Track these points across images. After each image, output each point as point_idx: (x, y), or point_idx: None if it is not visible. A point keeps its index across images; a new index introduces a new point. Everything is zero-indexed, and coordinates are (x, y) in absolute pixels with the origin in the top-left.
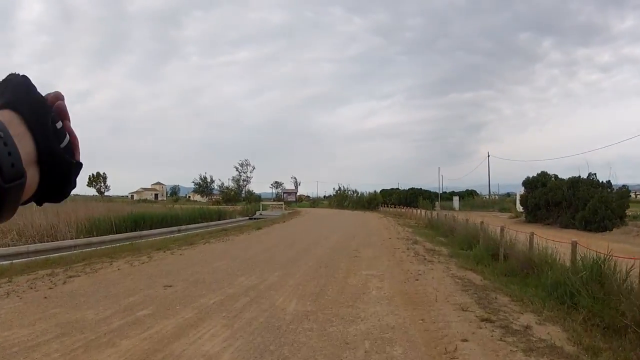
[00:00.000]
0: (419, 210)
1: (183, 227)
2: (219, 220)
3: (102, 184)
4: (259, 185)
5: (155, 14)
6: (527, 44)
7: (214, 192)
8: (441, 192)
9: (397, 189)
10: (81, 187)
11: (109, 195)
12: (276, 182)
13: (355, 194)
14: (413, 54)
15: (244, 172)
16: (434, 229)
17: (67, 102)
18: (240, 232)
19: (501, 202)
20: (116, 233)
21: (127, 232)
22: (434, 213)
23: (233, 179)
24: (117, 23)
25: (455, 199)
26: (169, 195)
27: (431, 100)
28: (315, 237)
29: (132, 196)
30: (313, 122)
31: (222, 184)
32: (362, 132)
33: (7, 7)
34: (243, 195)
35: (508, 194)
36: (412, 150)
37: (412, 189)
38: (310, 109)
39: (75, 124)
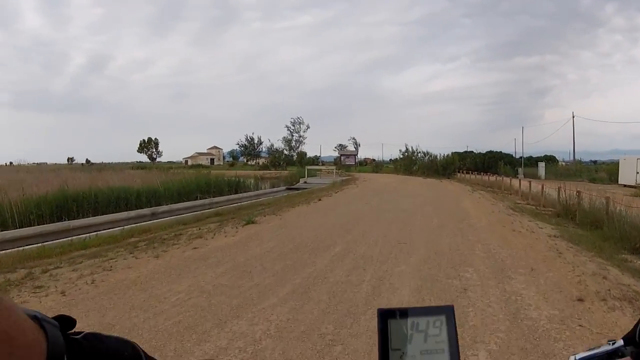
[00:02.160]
0: (508, 180)
1: (149, 211)
2: (233, 194)
3: (154, 150)
4: (322, 149)
5: None
6: (589, 8)
7: (262, 154)
8: (523, 156)
9: (472, 152)
10: (131, 153)
11: (159, 161)
12: (340, 144)
13: (427, 157)
14: (477, 16)
15: (296, 132)
16: (591, 228)
17: (126, 71)
18: (215, 231)
19: (587, 171)
20: None
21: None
22: (537, 186)
23: (284, 139)
24: None
25: (541, 165)
26: (225, 159)
27: (496, 63)
28: (359, 258)
29: (187, 161)
30: (377, 86)
31: (272, 145)
32: (427, 95)
33: None
34: (295, 157)
35: (594, 162)
36: (478, 114)
37: (490, 152)
38: (373, 72)
39: (135, 92)
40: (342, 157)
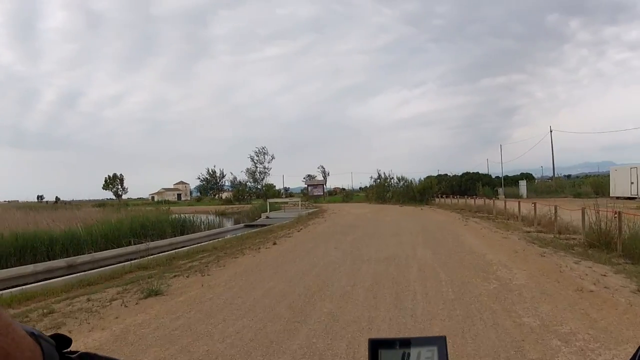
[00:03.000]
0: (492, 202)
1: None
2: (179, 235)
3: (120, 186)
4: (293, 180)
5: (181, 15)
6: (555, 25)
7: (226, 188)
8: (502, 176)
9: (446, 175)
10: (97, 190)
11: (126, 198)
12: (309, 175)
13: (401, 182)
14: (443, 41)
15: (260, 163)
16: None
17: (98, 108)
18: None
19: (569, 186)
20: None
21: None
22: (526, 206)
23: (247, 171)
24: (144, 26)
25: (522, 183)
26: (193, 195)
27: (463, 87)
28: None
29: (153, 197)
30: (347, 115)
31: (235, 178)
32: (397, 122)
33: (30, 17)
34: (260, 190)
35: (568, 176)
36: (447, 138)
37: (467, 173)
38: (344, 101)
39: (107, 128)
40: (310, 188)
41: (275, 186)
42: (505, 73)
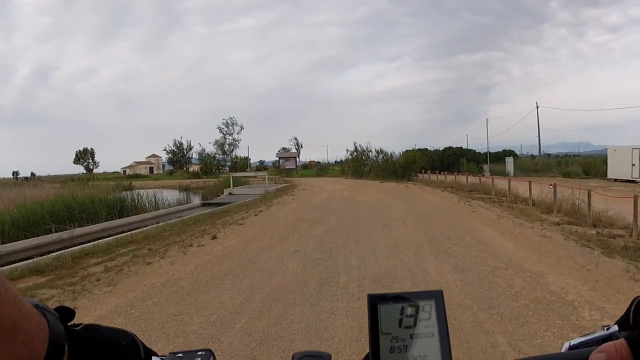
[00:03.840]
0: (487, 179)
1: None
2: (118, 218)
3: (91, 160)
4: (267, 153)
5: None
6: (534, 3)
7: (193, 161)
8: (488, 152)
9: (426, 149)
10: (68, 165)
11: (96, 172)
12: (283, 148)
13: (380, 156)
14: (420, 15)
15: (229, 134)
16: None
17: (72, 81)
18: None
19: (556, 165)
20: None
21: None
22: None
23: (216, 143)
24: None
25: (509, 160)
26: (165, 168)
27: (440, 61)
28: None
29: (125, 171)
30: (322, 87)
31: (203, 150)
32: (372, 95)
33: None
34: (229, 163)
35: (548, 155)
36: (423, 112)
37: (450, 148)
38: (318, 74)
39: (81, 102)
40: (281, 161)
41: (250, 159)
42: (482, 50)
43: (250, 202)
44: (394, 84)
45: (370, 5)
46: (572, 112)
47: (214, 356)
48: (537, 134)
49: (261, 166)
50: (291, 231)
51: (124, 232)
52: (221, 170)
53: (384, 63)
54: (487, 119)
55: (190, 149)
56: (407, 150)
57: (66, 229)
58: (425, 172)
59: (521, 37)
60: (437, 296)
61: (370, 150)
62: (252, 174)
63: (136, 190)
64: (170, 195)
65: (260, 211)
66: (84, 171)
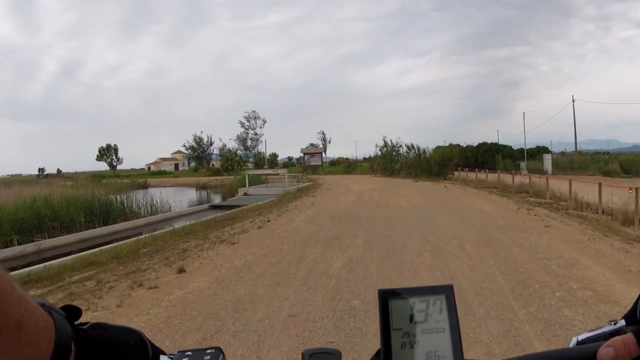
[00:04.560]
0: (539, 179)
1: None
2: (101, 226)
3: (114, 157)
4: (295, 149)
5: None
6: None
7: (214, 157)
8: (525, 148)
9: (458, 145)
10: (85, 162)
11: (120, 169)
12: (311, 144)
13: (411, 152)
14: (447, 9)
15: (251, 129)
16: None
17: (97, 77)
18: None
19: (594, 162)
20: None
21: None
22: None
23: (238, 137)
24: None
25: (547, 157)
26: (190, 164)
27: (468, 56)
28: None
29: (149, 168)
30: (350, 82)
31: (224, 145)
32: (400, 90)
33: None
34: (251, 159)
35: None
36: (452, 108)
37: (485, 144)
38: (346, 69)
39: (107, 98)
40: (306, 157)
41: (277, 155)
42: (510, 44)
43: (262, 206)
44: (422, 79)
45: (397, 0)
46: (597, 109)
47: (224, 354)
48: (574, 130)
49: (288, 162)
50: (296, 261)
51: (108, 242)
52: (243, 167)
53: (412, 58)
54: (524, 113)
55: (211, 144)
56: (438, 146)
57: (32, 241)
58: (461, 170)
59: (548, 31)
60: (447, 291)
61: (401, 146)
62: (271, 171)
63: (150, 189)
64: (183, 195)
65: (268, 220)
66: (108, 168)
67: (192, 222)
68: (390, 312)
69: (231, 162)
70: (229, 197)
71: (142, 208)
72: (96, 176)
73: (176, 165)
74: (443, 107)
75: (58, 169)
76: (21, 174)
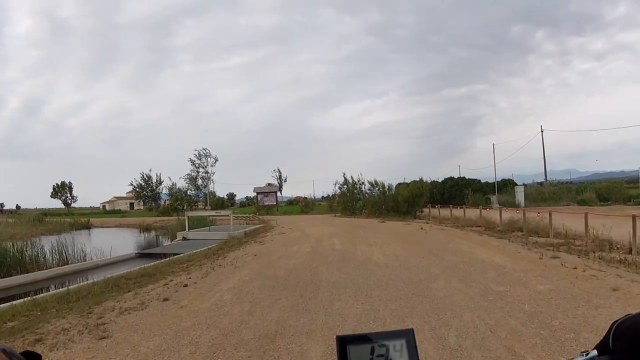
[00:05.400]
0: (537, 215)
1: None
2: None
3: (68, 194)
4: (252, 190)
5: (146, 24)
6: (520, 36)
7: (163, 196)
8: (496, 181)
9: (421, 180)
10: (45, 199)
11: (74, 207)
12: (269, 184)
13: (375, 188)
14: (406, 52)
15: (202, 167)
16: None
17: (61, 116)
18: None
19: (566, 192)
20: None
21: None
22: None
23: (187, 176)
24: (109, 35)
25: (519, 189)
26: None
27: (425, 97)
28: None
29: (104, 206)
30: (310, 125)
31: (174, 184)
32: (360, 131)
33: None
34: (201, 199)
35: (540, 183)
36: (412, 147)
37: (451, 178)
38: (306, 111)
39: (70, 137)
40: (259, 196)
41: (235, 195)
42: (468, 83)
43: (195, 256)
44: (380, 120)
45: (356, 43)
46: (557, 141)
47: None
48: (542, 161)
49: (245, 202)
50: None
51: None
52: (193, 207)
53: (371, 100)
54: (493, 145)
55: (160, 183)
56: (400, 183)
57: None
58: (430, 207)
59: (507, 69)
60: (407, 335)
61: (363, 183)
62: (213, 212)
63: (93, 229)
64: (119, 238)
65: (185, 285)
66: (62, 205)
67: (86, 283)
68: (349, 357)
69: (180, 201)
70: (172, 238)
71: (51, 256)
72: (43, 214)
73: (131, 204)
74: (402, 146)
75: (17, 204)
76: None
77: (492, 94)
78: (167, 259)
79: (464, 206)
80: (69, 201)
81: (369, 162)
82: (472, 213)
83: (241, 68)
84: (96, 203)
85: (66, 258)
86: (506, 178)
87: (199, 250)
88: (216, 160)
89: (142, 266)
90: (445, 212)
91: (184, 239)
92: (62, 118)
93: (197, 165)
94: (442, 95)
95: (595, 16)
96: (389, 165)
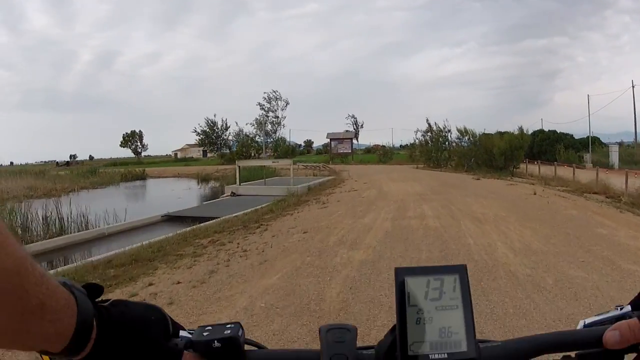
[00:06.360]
0: None
1: None
2: None
3: (139, 143)
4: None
5: None
6: None
7: (230, 142)
8: (590, 136)
9: (522, 130)
10: (114, 148)
11: (146, 155)
12: (347, 131)
13: (466, 138)
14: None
15: (272, 111)
16: None
17: (134, 67)
18: None
19: None
20: None
21: None
22: None
23: (256, 121)
24: None
25: (614, 149)
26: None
27: (505, 47)
28: None
29: (176, 154)
30: (387, 72)
31: (241, 130)
32: (438, 80)
33: None
34: (270, 145)
35: (619, 143)
36: (490, 98)
37: (542, 131)
38: (384, 58)
39: (143, 87)
40: (333, 143)
41: (312, 142)
42: (548, 35)
43: (223, 226)
44: (459, 69)
45: None
46: (626, 102)
47: (243, 328)
48: (634, 118)
49: (322, 150)
50: None
51: None
52: (260, 155)
53: (450, 48)
54: (588, 95)
55: (226, 128)
56: (484, 134)
57: None
58: (525, 162)
59: (585, 23)
60: (460, 270)
61: (449, 131)
62: (270, 161)
63: (148, 180)
64: (164, 191)
65: (193, 287)
66: (133, 155)
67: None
68: (406, 289)
69: (247, 148)
70: (211, 197)
71: (50, 223)
72: (112, 164)
73: (204, 152)
74: (480, 96)
75: (90, 155)
76: (56, 161)
77: (571, 47)
78: (191, 227)
79: (553, 163)
80: (140, 150)
81: (447, 112)
82: (569, 172)
83: (317, 15)
84: (169, 151)
85: (61, 227)
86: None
87: (242, 212)
88: (287, 103)
89: (144, 242)
90: (545, 169)
91: (233, 194)
92: (135, 68)
93: (266, 109)
94: (522, 46)
95: None
96: (467, 116)
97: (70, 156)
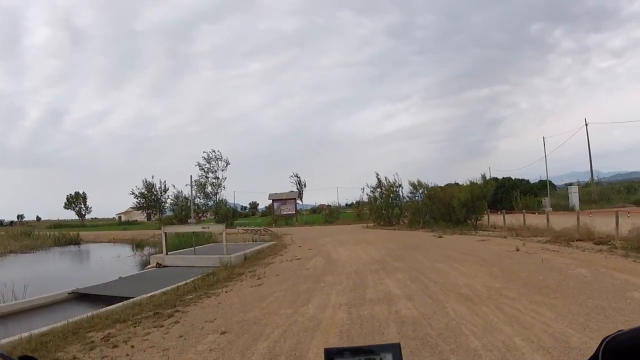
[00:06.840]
0: None
1: None
2: None
3: (82, 205)
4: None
5: (164, 30)
6: (539, 34)
7: (166, 206)
8: (548, 180)
9: (485, 178)
10: (58, 210)
11: (89, 218)
12: (291, 191)
13: (419, 191)
14: (427, 53)
15: (211, 172)
16: None
17: (84, 125)
18: None
19: (616, 193)
20: None
21: None
22: None
23: (196, 183)
24: (128, 42)
25: (573, 189)
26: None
27: (448, 99)
28: None
29: (120, 217)
30: (331, 129)
31: (179, 192)
32: (382, 136)
33: (13, 34)
34: (211, 208)
35: (570, 184)
36: (434, 151)
37: (495, 179)
38: (327, 116)
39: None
40: (276, 204)
41: (257, 204)
42: (489, 84)
43: (141, 307)
44: (403, 124)
45: (376, 45)
46: (577, 143)
47: None
48: (589, 158)
49: (266, 212)
50: None
51: None
52: (202, 218)
53: (393, 103)
54: (543, 137)
55: (165, 191)
56: (439, 186)
57: None
58: (487, 213)
59: (528, 68)
60: (394, 349)
61: (401, 185)
62: (199, 227)
63: (82, 245)
64: (92, 258)
65: None
66: (75, 217)
67: None
68: None
69: (187, 211)
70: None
71: None
72: (56, 226)
73: (149, 215)
74: (424, 149)
75: (37, 216)
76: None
77: (513, 94)
78: (91, 313)
79: (511, 211)
80: (83, 212)
81: (392, 168)
82: (532, 220)
83: (262, 73)
84: (113, 214)
85: None
86: (538, 180)
87: (160, 291)
88: (227, 163)
89: (23, 335)
90: (508, 219)
91: (159, 265)
92: (82, 127)
93: (205, 169)
94: (464, 97)
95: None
96: (414, 170)
97: (18, 216)
